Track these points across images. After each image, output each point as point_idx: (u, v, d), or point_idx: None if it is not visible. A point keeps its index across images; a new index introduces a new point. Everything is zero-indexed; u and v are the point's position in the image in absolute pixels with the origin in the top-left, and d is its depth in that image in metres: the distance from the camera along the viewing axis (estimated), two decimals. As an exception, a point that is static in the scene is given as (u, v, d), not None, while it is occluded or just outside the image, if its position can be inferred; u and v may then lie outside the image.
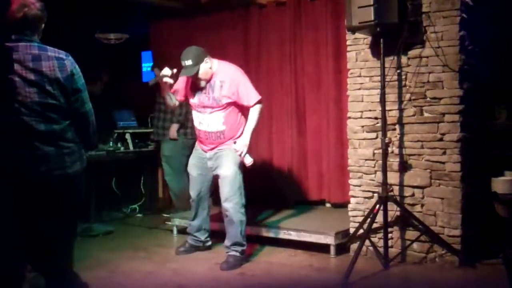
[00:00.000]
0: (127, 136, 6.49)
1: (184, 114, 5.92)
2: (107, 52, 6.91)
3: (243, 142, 4.37)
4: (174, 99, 4.59)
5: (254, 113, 4.40)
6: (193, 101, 4.51)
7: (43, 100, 2.72)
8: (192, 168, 4.68)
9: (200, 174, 4.63)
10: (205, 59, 4.35)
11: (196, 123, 4.56)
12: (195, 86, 4.47)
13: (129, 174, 6.78)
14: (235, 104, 4.40)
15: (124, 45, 6.81)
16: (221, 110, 4.38)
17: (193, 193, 4.70)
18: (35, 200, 2.72)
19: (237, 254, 4.41)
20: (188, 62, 4.31)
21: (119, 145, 6.33)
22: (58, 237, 2.86)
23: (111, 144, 6.20)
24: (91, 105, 2.94)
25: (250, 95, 4.38)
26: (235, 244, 4.42)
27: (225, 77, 4.37)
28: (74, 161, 2.83)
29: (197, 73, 4.33)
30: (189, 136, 6.04)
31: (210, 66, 4.38)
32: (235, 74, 4.43)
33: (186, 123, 5.95)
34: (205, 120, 4.44)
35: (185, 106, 5.67)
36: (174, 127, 5.99)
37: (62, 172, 2.78)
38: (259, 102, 4.41)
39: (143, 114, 7.08)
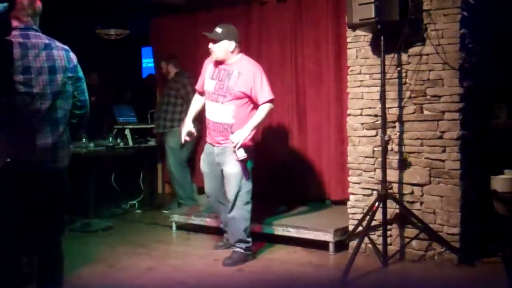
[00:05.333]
0: (127, 131, 6.47)
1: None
2: (108, 47, 6.92)
3: (241, 134, 4.22)
4: None
5: (261, 111, 4.34)
6: (208, 88, 4.44)
7: (54, 89, 2.78)
8: (203, 164, 4.61)
9: (211, 170, 4.52)
10: (233, 41, 4.35)
11: (206, 113, 4.49)
12: (213, 73, 4.43)
13: (129, 170, 6.78)
14: (248, 100, 4.34)
15: (125, 40, 6.81)
16: (232, 102, 4.31)
17: (207, 189, 4.64)
18: (25, 192, 2.76)
19: (241, 250, 4.39)
20: (218, 30, 4.35)
21: (118, 140, 6.31)
22: (46, 230, 2.90)
23: (110, 140, 6.17)
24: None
25: (263, 92, 4.33)
26: (239, 241, 4.40)
27: (244, 70, 4.33)
28: (64, 156, 2.89)
29: (215, 40, 4.33)
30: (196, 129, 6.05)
31: (231, 51, 4.35)
32: (255, 68, 4.39)
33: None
34: (216, 110, 4.37)
35: None
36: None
37: (54, 166, 2.83)
38: (270, 101, 4.36)
39: (142, 110, 7.09)
